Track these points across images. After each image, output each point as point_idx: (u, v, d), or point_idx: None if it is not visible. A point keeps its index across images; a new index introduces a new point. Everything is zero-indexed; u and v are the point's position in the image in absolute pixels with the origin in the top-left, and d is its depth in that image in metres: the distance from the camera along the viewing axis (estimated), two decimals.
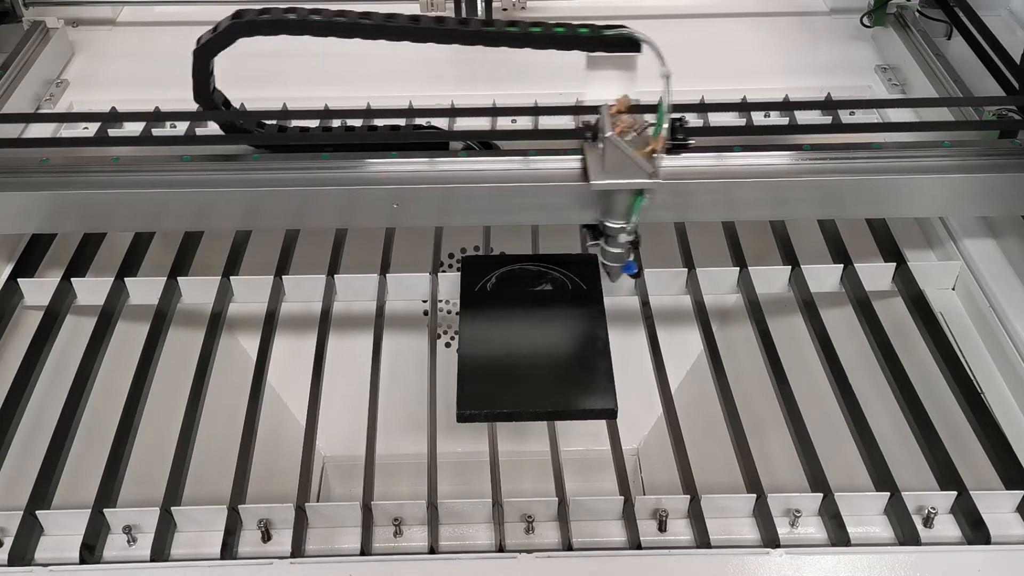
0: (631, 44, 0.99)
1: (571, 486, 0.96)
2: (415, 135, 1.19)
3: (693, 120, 1.40)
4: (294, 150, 1.13)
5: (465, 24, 1.03)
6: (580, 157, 1.04)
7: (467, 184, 1.08)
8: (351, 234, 1.29)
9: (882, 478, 0.95)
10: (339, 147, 1.13)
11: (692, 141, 1.03)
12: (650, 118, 0.99)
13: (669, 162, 1.02)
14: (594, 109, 1.02)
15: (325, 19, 1.01)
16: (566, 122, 1.40)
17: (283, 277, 1.22)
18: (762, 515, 0.93)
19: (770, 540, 0.91)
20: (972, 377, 1.07)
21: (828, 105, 1.39)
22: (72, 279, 1.20)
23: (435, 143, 1.14)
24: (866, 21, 1.62)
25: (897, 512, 0.92)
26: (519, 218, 1.12)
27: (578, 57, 1.61)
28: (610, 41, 1.00)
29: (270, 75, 1.47)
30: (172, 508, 0.93)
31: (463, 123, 1.39)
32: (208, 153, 1.12)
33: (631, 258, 1.07)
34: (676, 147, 1.02)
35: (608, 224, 1.02)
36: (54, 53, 1.56)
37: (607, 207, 1.02)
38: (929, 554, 0.88)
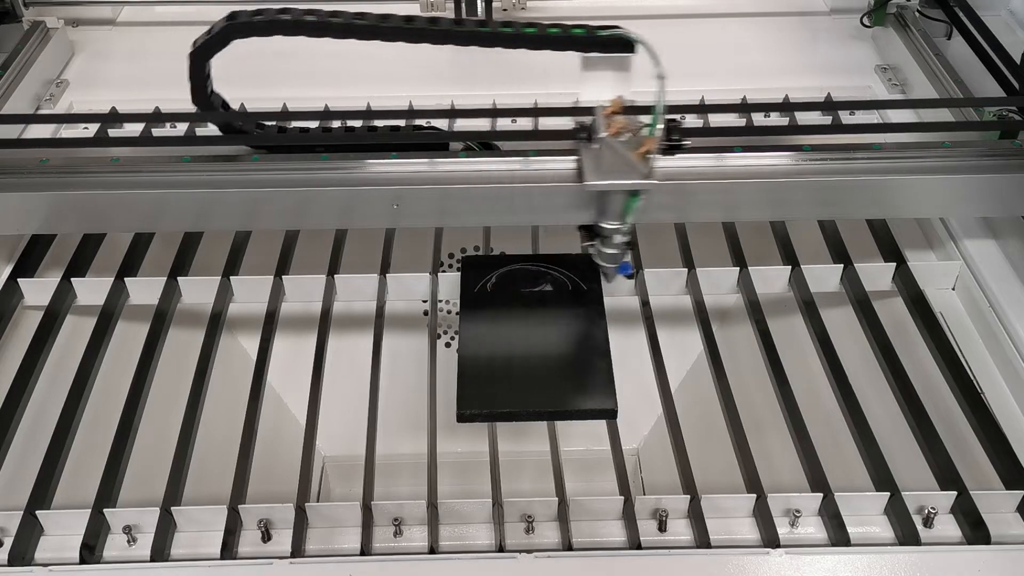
0: (625, 45, 0.99)
1: (571, 486, 0.96)
2: (415, 136, 1.19)
3: (693, 120, 1.40)
4: (293, 150, 1.13)
5: (460, 25, 1.03)
6: (576, 158, 1.04)
7: (467, 184, 1.08)
8: (351, 234, 1.29)
9: (882, 478, 0.95)
10: (338, 147, 1.13)
11: (688, 142, 1.03)
12: (647, 119, 0.99)
13: (665, 163, 1.02)
14: (591, 110, 1.02)
15: (319, 19, 1.01)
16: (566, 123, 1.40)
17: (283, 277, 1.22)
18: (762, 515, 0.93)
19: (770, 540, 0.91)
20: (972, 377, 1.07)
21: (828, 106, 1.39)
22: (72, 279, 1.20)
23: (435, 143, 1.14)
24: (866, 21, 1.62)
25: (897, 512, 0.92)
26: (517, 219, 1.12)
27: (576, 57, 1.62)
28: (604, 42, 1.00)
29: (270, 75, 1.47)
30: (172, 508, 0.93)
31: (463, 123, 1.39)
32: (208, 154, 1.12)
33: (626, 259, 1.07)
34: (671, 148, 1.02)
35: (603, 225, 1.02)
36: (54, 53, 1.56)
37: (602, 208, 1.02)
38: (929, 554, 0.88)
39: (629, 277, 1.10)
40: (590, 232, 1.05)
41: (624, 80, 1.02)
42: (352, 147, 1.13)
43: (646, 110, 0.99)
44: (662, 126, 0.98)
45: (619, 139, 0.98)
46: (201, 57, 1.05)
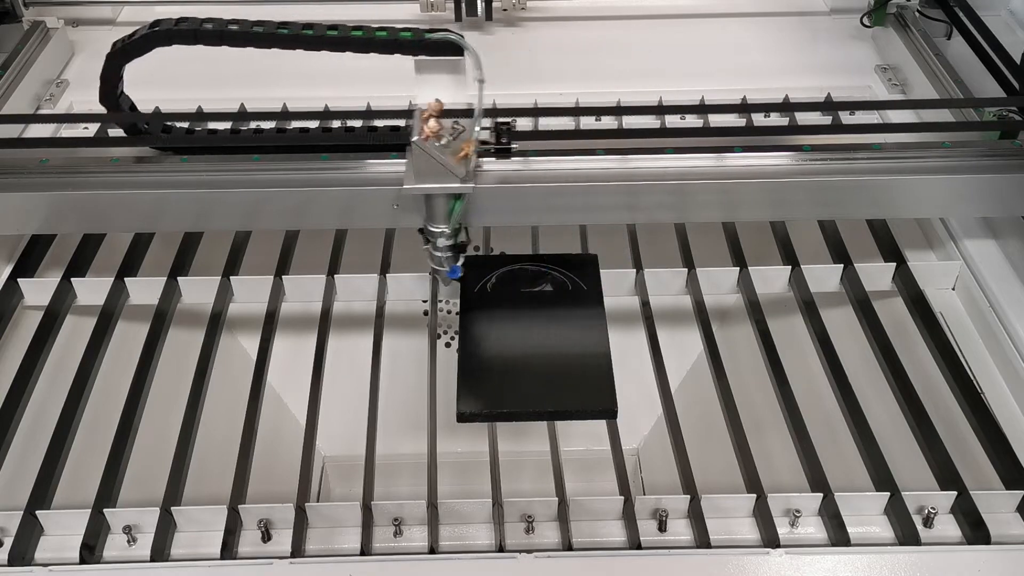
0: (452, 48, 0.99)
1: (571, 486, 0.96)
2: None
3: (693, 120, 1.40)
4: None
5: (285, 27, 1.02)
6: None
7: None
8: (351, 234, 1.29)
9: (882, 478, 0.95)
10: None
11: (516, 145, 1.03)
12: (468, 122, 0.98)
13: (498, 166, 1.03)
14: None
15: (191, 28, 1.01)
16: (566, 123, 1.40)
17: (283, 277, 1.22)
18: (762, 515, 0.93)
19: (770, 540, 0.91)
20: (972, 377, 1.07)
21: (828, 106, 1.39)
22: (72, 279, 1.20)
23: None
24: (866, 21, 1.62)
25: (897, 512, 0.92)
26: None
27: (579, 59, 1.62)
28: (432, 45, 1.00)
29: (271, 75, 1.47)
30: (172, 508, 0.93)
31: None
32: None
33: (458, 263, 1.05)
34: (501, 151, 1.01)
35: (428, 228, 1.01)
36: (54, 53, 1.56)
37: (430, 211, 1.01)
38: (929, 554, 0.88)
39: (459, 280, 1.08)
40: (424, 235, 1.04)
41: (458, 83, 1.01)
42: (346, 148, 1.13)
43: (468, 113, 0.98)
44: (479, 129, 0.97)
45: (439, 143, 0.97)
46: (120, 59, 1.06)
